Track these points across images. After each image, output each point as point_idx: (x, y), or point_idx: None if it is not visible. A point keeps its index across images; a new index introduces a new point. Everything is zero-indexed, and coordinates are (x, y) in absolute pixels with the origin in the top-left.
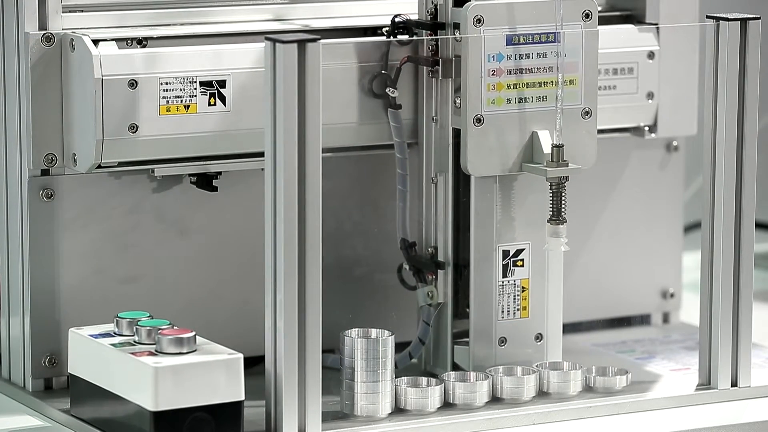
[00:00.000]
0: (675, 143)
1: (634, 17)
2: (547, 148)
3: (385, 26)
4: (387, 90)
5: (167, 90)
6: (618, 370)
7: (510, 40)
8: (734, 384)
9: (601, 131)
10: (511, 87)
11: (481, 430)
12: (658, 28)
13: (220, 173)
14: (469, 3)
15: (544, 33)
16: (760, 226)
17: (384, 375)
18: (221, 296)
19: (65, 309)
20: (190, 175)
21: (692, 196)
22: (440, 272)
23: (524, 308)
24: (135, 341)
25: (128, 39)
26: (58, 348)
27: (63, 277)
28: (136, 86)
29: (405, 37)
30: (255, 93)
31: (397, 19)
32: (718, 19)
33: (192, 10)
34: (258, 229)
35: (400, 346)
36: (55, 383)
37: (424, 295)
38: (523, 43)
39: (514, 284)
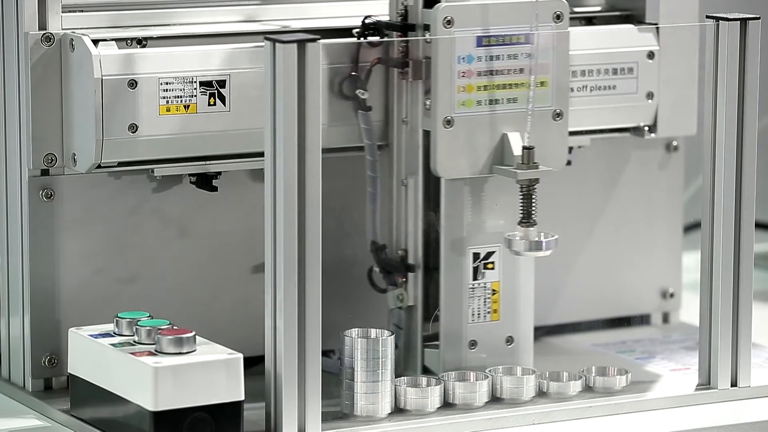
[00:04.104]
0: (675, 143)
1: (634, 17)
2: (517, 151)
3: (355, 27)
4: (357, 91)
5: (167, 90)
6: (618, 370)
7: (480, 42)
8: (734, 384)
9: (601, 131)
10: (482, 89)
11: (481, 430)
12: (658, 28)
13: (220, 173)
14: (439, 4)
15: (515, 34)
16: (760, 226)
17: (384, 375)
18: (221, 296)
19: (65, 309)
20: (190, 175)
21: (692, 196)
22: (410, 275)
23: (495, 311)
24: (135, 341)
25: (128, 39)
26: (58, 348)
27: (63, 277)
28: (136, 86)
29: (376, 39)
30: (255, 93)
31: (367, 21)
32: (718, 19)
33: (192, 9)
34: (258, 229)
35: None
36: (55, 383)
37: (394, 298)
38: (494, 45)
39: (485, 287)
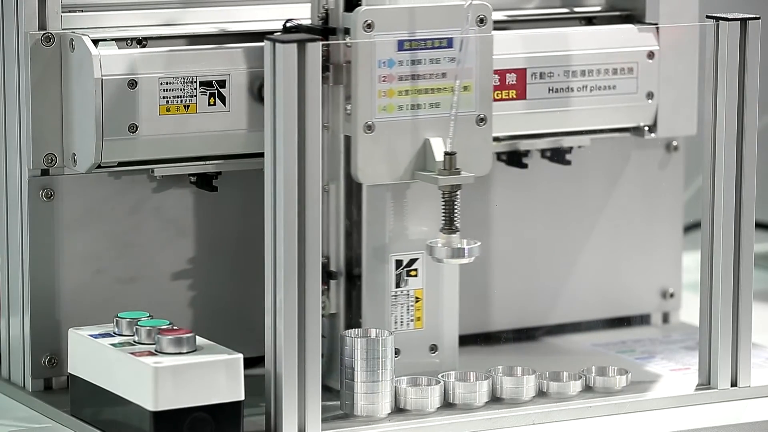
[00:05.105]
0: (675, 143)
1: (634, 17)
2: (439, 156)
3: (276, 31)
4: None
5: (167, 90)
6: (618, 370)
7: (401, 46)
8: (734, 384)
9: (601, 131)
10: (403, 93)
11: (481, 430)
12: (658, 28)
13: (220, 173)
14: (359, 8)
15: (437, 38)
16: (760, 226)
17: (384, 375)
18: (221, 296)
19: (65, 309)
20: (190, 175)
21: (692, 196)
22: (332, 282)
23: (418, 319)
24: (135, 341)
25: (128, 39)
26: (58, 348)
27: (63, 277)
28: (136, 86)
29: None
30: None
31: (288, 24)
32: (718, 19)
33: (192, 10)
34: (258, 229)
35: None
36: (55, 383)
37: None
38: (415, 49)
39: (408, 295)
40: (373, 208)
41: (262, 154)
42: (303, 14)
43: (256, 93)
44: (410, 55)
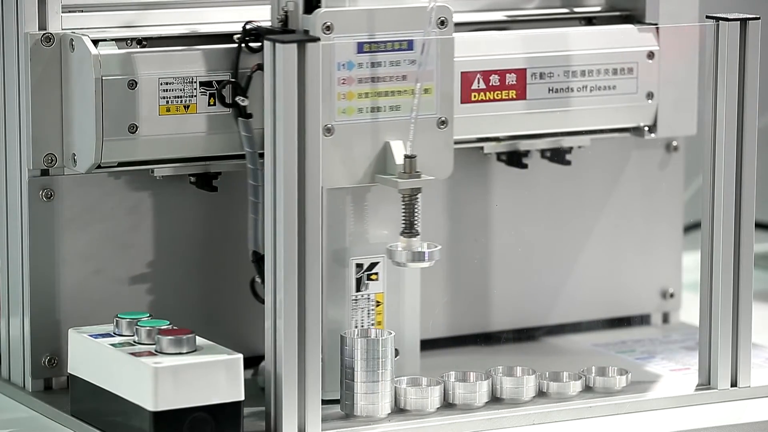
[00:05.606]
0: (675, 143)
1: (634, 17)
2: (399, 159)
3: (236, 33)
4: (237, 98)
5: (167, 90)
6: (618, 370)
7: (361, 48)
8: (734, 384)
9: (601, 131)
10: (363, 96)
11: (481, 430)
12: (658, 28)
13: (220, 173)
14: (318, 10)
15: (397, 40)
16: (760, 226)
17: (384, 375)
18: (221, 296)
19: (65, 309)
20: (190, 175)
21: (692, 196)
22: None
23: (379, 323)
24: (135, 341)
25: (128, 39)
26: (58, 348)
27: (63, 277)
28: (136, 86)
29: (258, 44)
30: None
31: (248, 26)
32: (718, 19)
33: (193, 9)
34: None
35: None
36: (55, 383)
37: None
38: (375, 51)
39: (368, 299)
40: (333, 211)
41: (262, 155)
42: (262, 16)
43: (217, 96)
44: (370, 58)
